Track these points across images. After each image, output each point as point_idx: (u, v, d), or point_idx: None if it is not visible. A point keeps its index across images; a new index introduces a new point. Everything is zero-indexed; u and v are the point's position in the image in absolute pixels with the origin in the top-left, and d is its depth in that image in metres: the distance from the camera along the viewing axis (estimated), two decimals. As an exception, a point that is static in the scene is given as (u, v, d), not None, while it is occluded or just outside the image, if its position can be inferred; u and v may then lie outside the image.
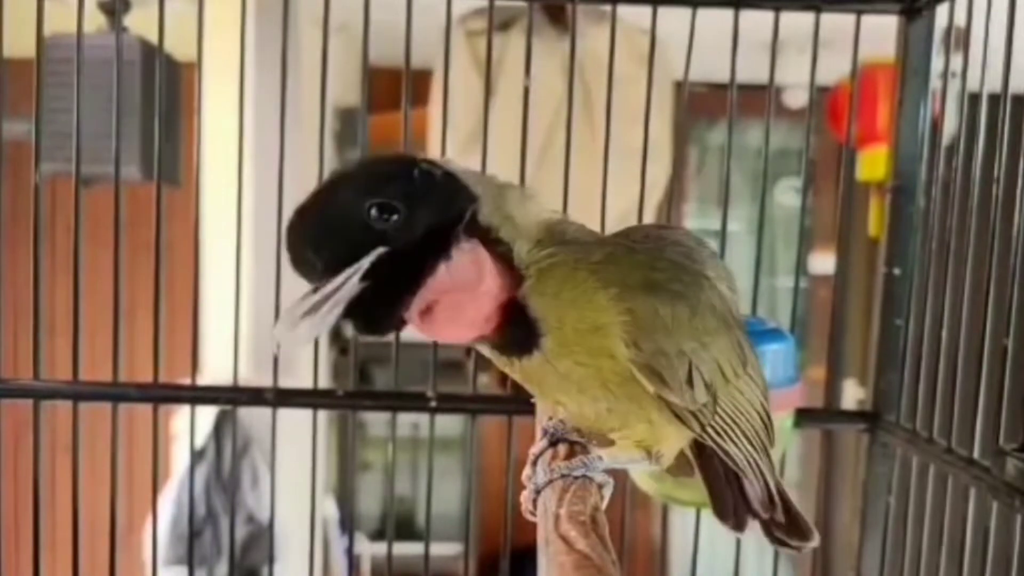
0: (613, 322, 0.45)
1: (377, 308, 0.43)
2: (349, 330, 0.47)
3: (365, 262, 0.42)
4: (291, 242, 0.44)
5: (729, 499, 0.57)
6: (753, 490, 0.54)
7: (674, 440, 0.51)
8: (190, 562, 0.89)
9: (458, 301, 0.45)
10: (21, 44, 0.74)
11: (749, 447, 0.52)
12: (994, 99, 0.64)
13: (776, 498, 0.54)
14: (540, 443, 0.55)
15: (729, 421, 0.50)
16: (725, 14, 0.77)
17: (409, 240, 0.43)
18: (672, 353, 0.46)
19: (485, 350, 0.49)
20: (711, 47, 0.78)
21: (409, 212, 0.43)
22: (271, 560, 0.89)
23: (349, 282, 0.41)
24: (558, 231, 0.48)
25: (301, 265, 0.43)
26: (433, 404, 0.80)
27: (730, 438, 0.51)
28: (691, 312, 0.47)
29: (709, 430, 0.50)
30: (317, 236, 0.43)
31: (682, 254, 0.50)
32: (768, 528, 0.57)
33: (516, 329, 0.46)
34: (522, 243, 0.46)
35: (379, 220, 0.43)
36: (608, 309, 0.45)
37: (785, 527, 0.57)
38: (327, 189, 0.45)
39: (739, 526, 0.56)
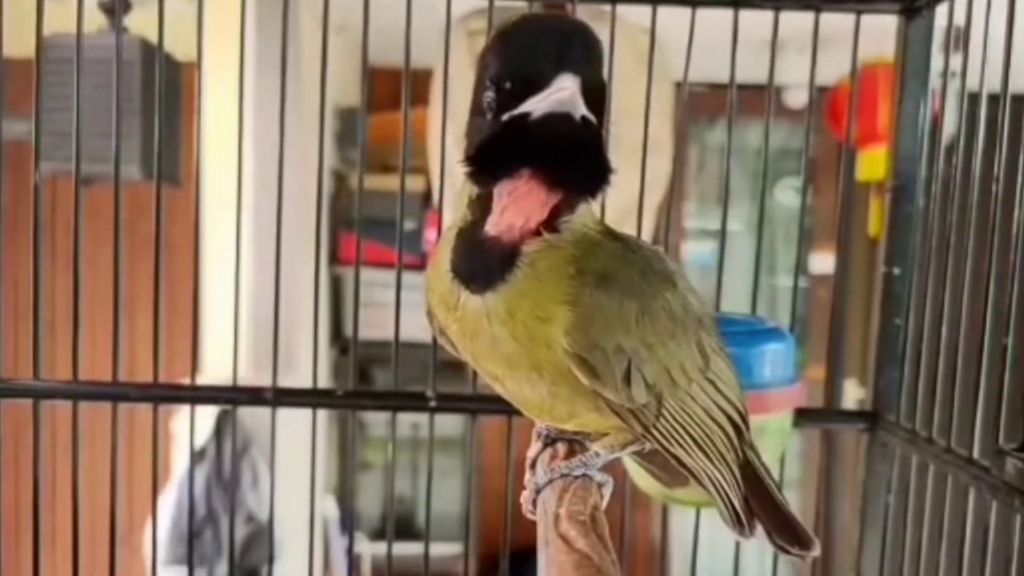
0: (559, 312, 0.44)
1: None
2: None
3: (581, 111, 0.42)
4: (566, 31, 0.43)
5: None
6: (718, 505, 0.52)
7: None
8: (190, 562, 0.89)
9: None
10: (21, 44, 0.74)
11: (703, 457, 0.50)
12: (994, 98, 0.64)
13: (743, 516, 0.53)
14: (535, 446, 0.55)
15: (677, 427, 0.49)
16: (725, 14, 0.77)
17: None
18: (609, 349, 0.45)
19: (444, 284, 0.48)
20: (711, 47, 0.78)
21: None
22: (271, 560, 0.89)
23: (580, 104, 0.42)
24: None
25: (566, 53, 0.42)
26: (433, 404, 0.80)
27: (680, 444, 0.49)
28: (641, 310, 0.46)
29: (654, 432, 0.49)
30: (590, 48, 0.43)
31: (657, 257, 0.50)
32: (770, 533, 0.57)
33: (495, 259, 0.45)
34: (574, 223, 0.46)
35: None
36: (560, 307, 0.45)
37: (787, 533, 0.56)
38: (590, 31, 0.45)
39: (746, 532, 0.56)
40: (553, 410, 0.49)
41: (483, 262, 0.46)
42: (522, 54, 0.43)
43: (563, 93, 0.41)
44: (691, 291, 0.51)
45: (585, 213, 0.47)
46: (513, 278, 0.45)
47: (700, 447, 0.50)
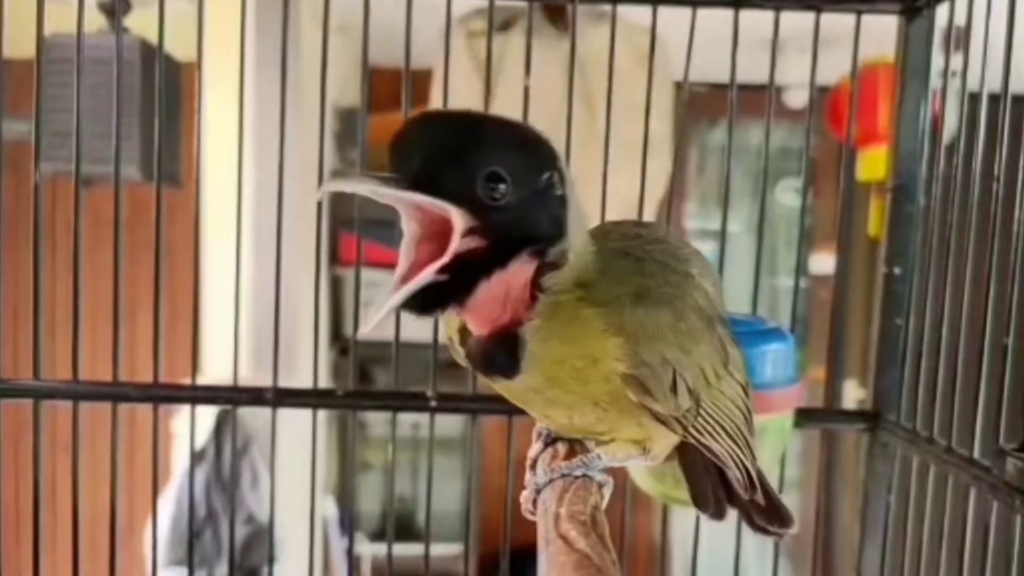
0: (607, 346, 0.44)
1: (434, 295, 0.41)
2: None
3: (448, 255, 0.40)
4: (414, 135, 0.41)
5: (708, 488, 0.58)
6: (733, 476, 0.54)
7: (664, 438, 0.51)
8: (190, 563, 0.89)
9: (487, 301, 0.43)
10: (21, 44, 0.74)
11: (731, 443, 0.52)
12: (994, 99, 0.64)
13: (756, 481, 0.55)
14: (536, 446, 0.55)
15: (712, 422, 0.50)
16: (725, 14, 0.77)
17: (486, 226, 0.41)
18: (656, 363, 0.45)
19: (462, 361, 0.48)
20: (711, 47, 0.78)
21: (511, 203, 0.41)
22: (271, 560, 0.89)
23: (428, 271, 0.40)
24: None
25: (402, 156, 0.40)
26: (433, 404, 0.80)
27: (713, 437, 0.51)
28: (675, 318, 0.46)
29: (692, 431, 0.50)
30: (435, 151, 0.40)
31: (668, 253, 0.50)
32: (748, 515, 0.58)
33: (502, 350, 0.45)
34: (564, 276, 0.44)
35: (484, 185, 0.40)
36: (604, 337, 0.44)
37: (765, 513, 0.57)
38: (471, 118, 0.42)
39: (718, 514, 0.57)
40: (593, 429, 0.49)
41: (493, 357, 0.45)
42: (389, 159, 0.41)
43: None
44: (704, 276, 0.51)
45: (576, 237, 0.45)
46: (529, 364, 0.44)
47: (730, 435, 0.52)
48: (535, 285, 0.44)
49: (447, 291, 0.41)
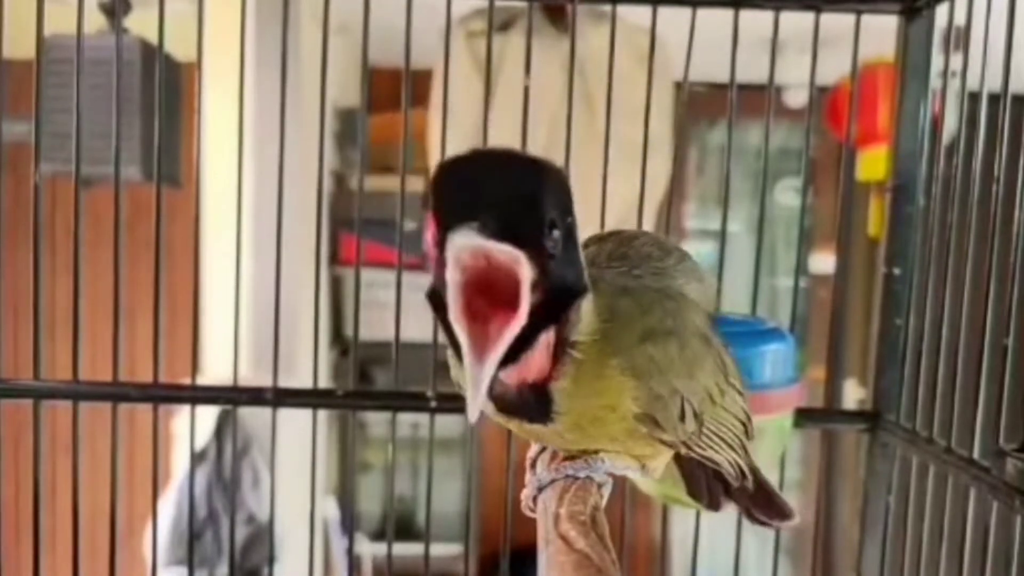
0: (624, 391, 0.44)
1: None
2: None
3: (523, 314, 0.37)
4: (477, 176, 0.38)
5: (702, 479, 0.58)
6: (725, 471, 0.55)
7: (664, 455, 0.52)
8: (190, 563, 0.89)
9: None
10: (21, 44, 0.74)
11: (731, 452, 0.52)
12: (994, 98, 0.64)
13: (748, 472, 0.55)
14: (535, 446, 0.55)
15: (714, 438, 0.51)
16: (725, 14, 0.77)
17: (545, 278, 0.38)
18: (667, 394, 0.45)
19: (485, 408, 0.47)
20: (711, 47, 0.78)
21: (559, 252, 0.39)
22: (271, 561, 0.89)
23: (509, 335, 0.37)
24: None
25: (465, 200, 0.37)
26: (433, 404, 0.80)
27: (714, 449, 0.51)
28: (680, 346, 0.46)
29: (696, 449, 0.50)
30: (507, 197, 0.37)
31: (655, 273, 0.49)
32: (747, 510, 0.58)
33: (536, 403, 0.44)
34: (584, 327, 0.43)
35: (547, 231, 0.38)
36: (622, 384, 0.44)
37: (765, 507, 0.58)
38: (531, 160, 0.39)
39: (714, 505, 0.58)
40: (607, 450, 0.50)
41: (522, 406, 0.44)
42: (439, 200, 0.38)
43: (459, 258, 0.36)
44: (691, 280, 0.51)
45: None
46: (558, 415, 0.44)
47: (730, 446, 0.52)
48: (560, 339, 0.42)
49: (513, 349, 0.38)
